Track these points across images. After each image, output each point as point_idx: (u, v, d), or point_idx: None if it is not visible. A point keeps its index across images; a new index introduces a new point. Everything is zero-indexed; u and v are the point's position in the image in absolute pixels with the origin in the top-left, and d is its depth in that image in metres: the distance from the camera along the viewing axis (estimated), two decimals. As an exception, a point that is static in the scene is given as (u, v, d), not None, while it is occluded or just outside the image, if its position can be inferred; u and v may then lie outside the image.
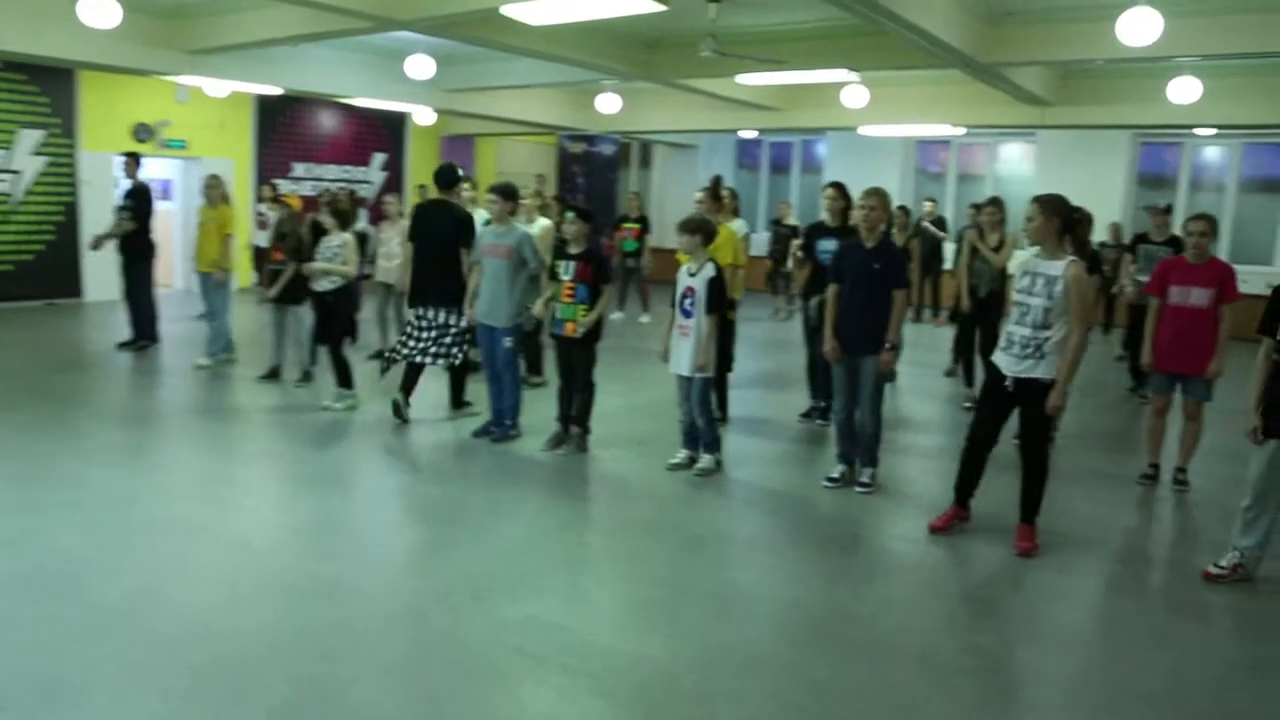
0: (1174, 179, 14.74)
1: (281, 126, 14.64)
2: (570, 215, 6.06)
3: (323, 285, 7.01)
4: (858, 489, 5.74)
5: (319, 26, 9.04)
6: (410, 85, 12.46)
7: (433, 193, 7.32)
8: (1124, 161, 14.72)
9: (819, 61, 9.79)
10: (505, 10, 7.56)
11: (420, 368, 6.81)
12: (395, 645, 3.59)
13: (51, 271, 12.31)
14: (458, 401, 7.08)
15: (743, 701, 3.27)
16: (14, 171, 11.86)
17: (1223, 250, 13.59)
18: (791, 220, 14.10)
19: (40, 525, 4.62)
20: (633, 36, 10.51)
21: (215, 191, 8.62)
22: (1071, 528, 5.14)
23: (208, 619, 3.72)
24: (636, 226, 12.58)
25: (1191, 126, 12.47)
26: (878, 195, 5.67)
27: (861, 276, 5.63)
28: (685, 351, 5.82)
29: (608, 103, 13.24)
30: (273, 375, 8.00)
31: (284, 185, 14.40)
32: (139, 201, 9.23)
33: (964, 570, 4.70)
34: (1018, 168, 16.08)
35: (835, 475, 5.87)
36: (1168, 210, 8.98)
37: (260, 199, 12.91)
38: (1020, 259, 5.03)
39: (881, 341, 5.62)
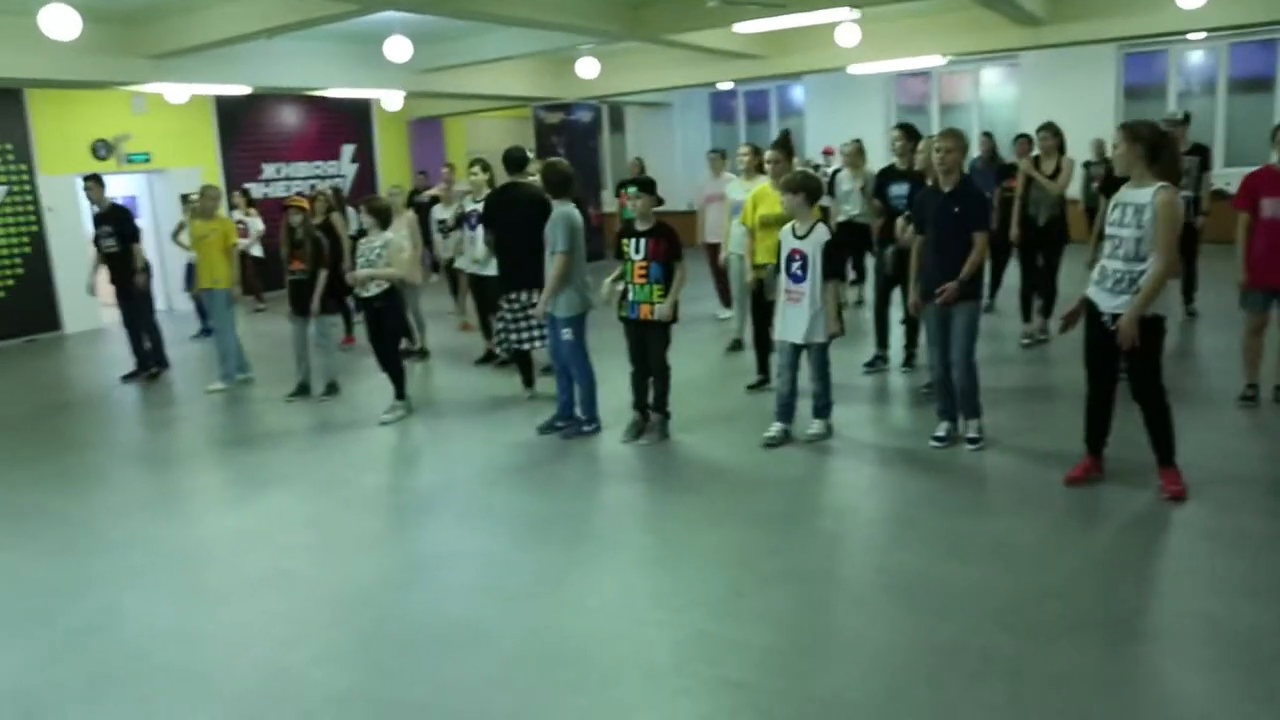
0: (1161, 87, 14.56)
1: (245, 128, 13.90)
2: (632, 190, 5.63)
3: (369, 290, 6.55)
4: (968, 446, 5.45)
5: (298, 15, 8.45)
6: (381, 70, 11.84)
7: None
8: (1110, 75, 14.50)
9: (820, 2, 9.36)
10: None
11: (528, 354, 6.86)
12: (582, 695, 3.22)
13: (27, 307, 11.59)
14: (528, 381, 7.02)
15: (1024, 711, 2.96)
16: (-30, 205, 11.11)
17: (1218, 153, 13.47)
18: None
19: (118, 601, 4.16)
20: (620, -6, 10.01)
21: (212, 203, 8.05)
22: (1197, 459, 4.85)
23: (363, 694, 3.32)
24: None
25: (1187, 32, 12.21)
26: (954, 136, 5.35)
27: (942, 222, 5.31)
28: (797, 317, 5.50)
29: (588, 68, 12.72)
30: (301, 392, 7.54)
31: (255, 189, 13.76)
32: (119, 223, 8.59)
33: (1129, 525, 4.41)
34: (1001, 92, 15.81)
35: (941, 434, 5.57)
36: (1186, 120, 8.65)
37: (232, 206, 12.28)
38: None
39: (973, 289, 5.33)
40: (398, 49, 9.93)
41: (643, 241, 5.63)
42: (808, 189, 5.47)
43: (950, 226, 5.29)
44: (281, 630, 3.78)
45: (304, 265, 7.26)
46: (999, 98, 15.81)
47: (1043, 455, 5.28)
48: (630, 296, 5.72)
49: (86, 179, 8.63)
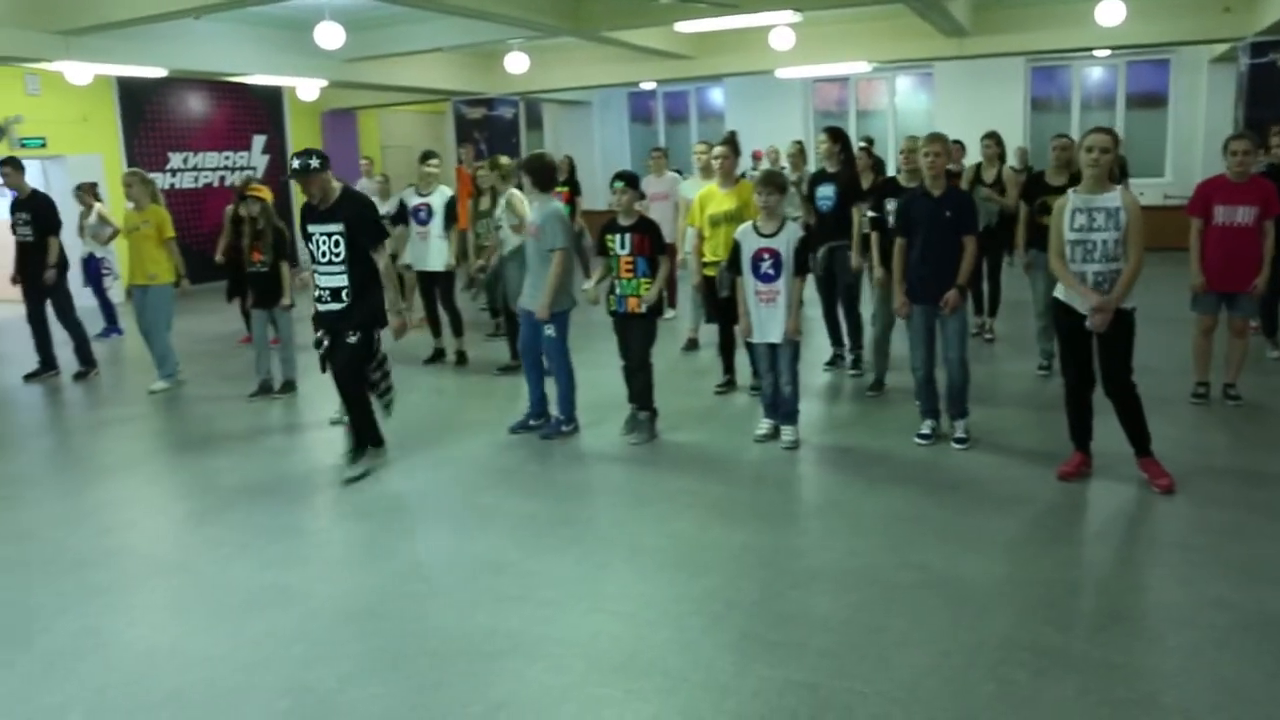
0: (1065, 101, 15.24)
1: (150, 114, 13.12)
2: (619, 185, 5.52)
3: (328, 289, 6.24)
4: (954, 445, 5.51)
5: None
6: (303, 57, 11.40)
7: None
8: (1019, 87, 15.09)
9: (769, 3, 9.42)
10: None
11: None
12: (650, 703, 3.09)
13: (-92, 300, 10.66)
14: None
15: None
16: None
17: (1117, 166, 14.17)
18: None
19: (97, 622, 3.82)
20: (562, -12, 9.87)
21: (141, 190, 7.45)
22: (1168, 452, 4.99)
23: (409, 713, 3.12)
24: (566, 190, 11.94)
25: (1095, 49, 12.80)
26: (940, 141, 5.41)
27: (934, 226, 5.37)
28: (771, 318, 5.46)
29: (517, 62, 12.52)
30: (264, 390, 7.15)
31: (162, 180, 13.01)
32: (39, 213, 7.97)
33: (1130, 518, 4.55)
34: (913, 100, 16.28)
35: (926, 431, 5.64)
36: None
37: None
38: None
39: (962, 290, 5.43)
40: (329, 35, 9.57)
41: (627, 237, 5.55)
42: (785, 188, 5.52)
43: (941, 231, 5.34)
44: (297, 648, 3.50)
45: (264, 256, 6.87)
46: (911, 105, 16.28)
47: (1022, 451, 5.42)
48: (618, 290, 5.62)
49: (3, 163, 7.99)
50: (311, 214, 5.12)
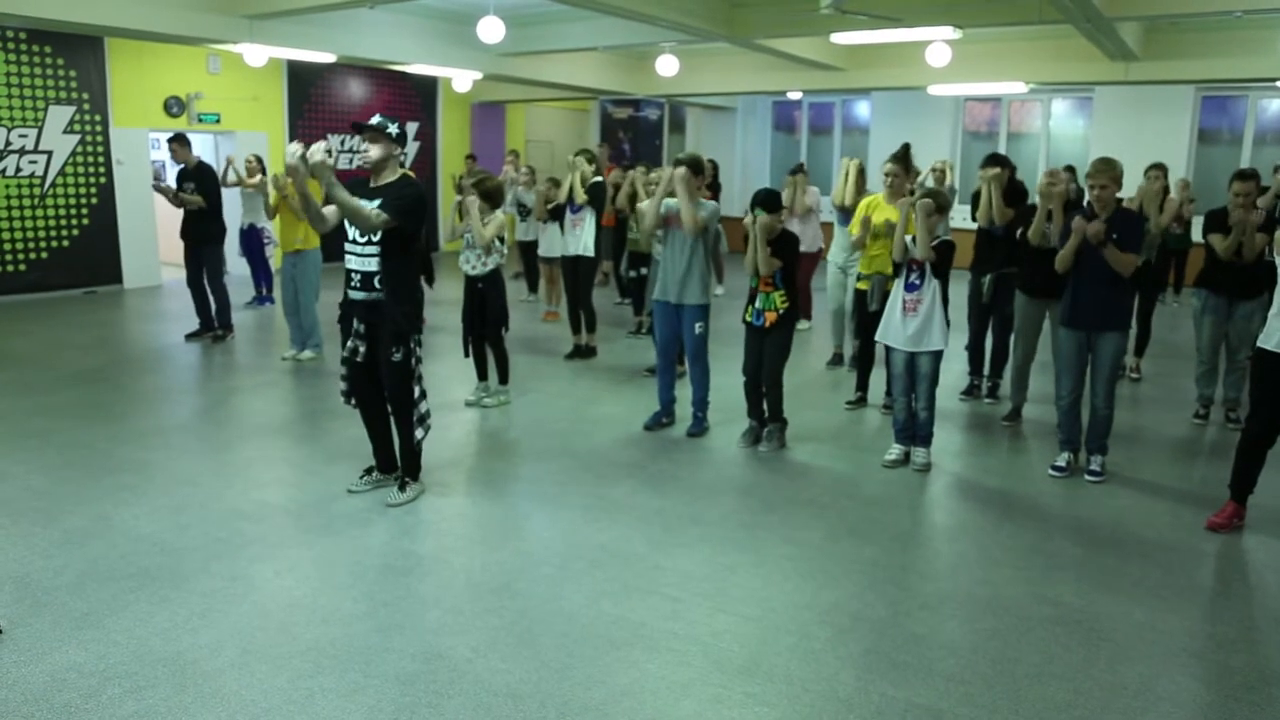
0: (1237, 134, 14.41)
1: (314, 97, 13.81)
2: (759, 211, 5.58)
3: (476, 270, 6.44)
4: (1088, 478, 5.35)
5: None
6: (463, 49, 11.77)
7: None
8: (1186, 116, 14.33)
9: (930, 19, 9.23)
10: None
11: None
12: (773, 708, 3.10)
13: (89, 258, 11.49)
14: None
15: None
16: (44, 152, 11.00)
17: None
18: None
19: (247, 570, 4.07)
20: (720, -7, 9.90)
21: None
22: None
23: (536, 691, 3.21)
24: (706, 193, 11.99)
25: (1275, 80, 12.04)
26: (1108, 174, 5.19)
27: (1098, 249, 5.17)
28: (915, 329, 5.40)
29: (667, 65, 12.61)
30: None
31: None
32: (203, 180, 8.55)
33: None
34: (1069, 125, 15.67)
35: (1061, 464, 5.47)
36: None
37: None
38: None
39: (1123, 319, 5.23)
40: (491, 29, 9.83)
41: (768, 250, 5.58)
42: (946, 208, 5.48)
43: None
44: (432, 615, 3.66)
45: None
46: (1066, 130, 15.67)
47: (1165, 496, 5.21)
48: (756, 304, 5.64)
49: (171, 140, 8.57)
50: (359, 190, 4.58)
